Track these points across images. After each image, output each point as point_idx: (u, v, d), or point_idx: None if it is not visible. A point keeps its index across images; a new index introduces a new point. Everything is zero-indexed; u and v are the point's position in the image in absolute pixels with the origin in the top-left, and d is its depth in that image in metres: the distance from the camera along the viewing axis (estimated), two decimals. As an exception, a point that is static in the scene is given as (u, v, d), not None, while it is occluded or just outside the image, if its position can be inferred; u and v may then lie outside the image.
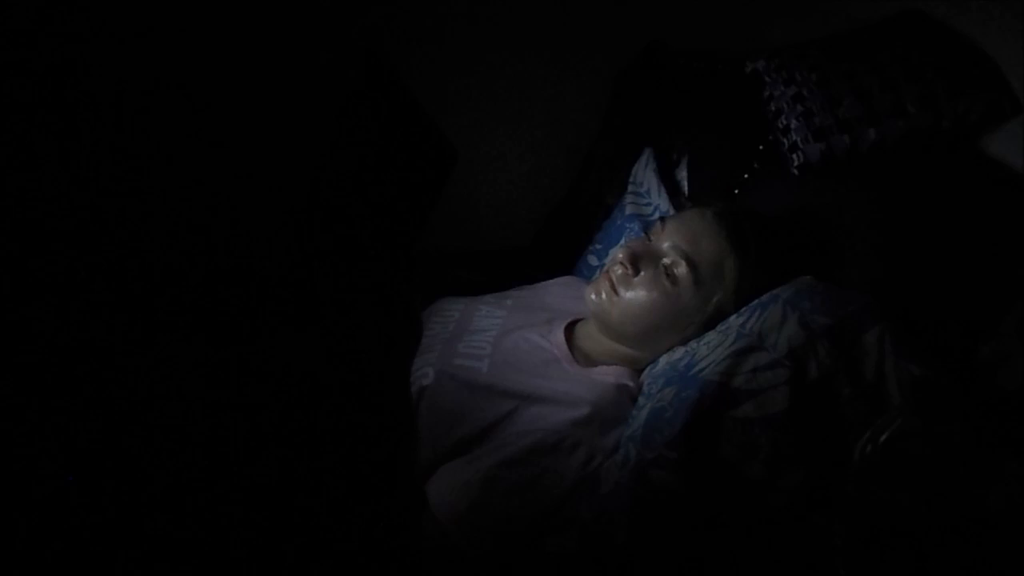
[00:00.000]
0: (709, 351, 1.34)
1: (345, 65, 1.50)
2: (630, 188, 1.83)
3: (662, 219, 1.50)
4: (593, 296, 1.48)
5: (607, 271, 1.48)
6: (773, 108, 1.70)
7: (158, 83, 1.15)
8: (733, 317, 1.39)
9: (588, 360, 1.50)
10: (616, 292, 1.45)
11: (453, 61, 1.69)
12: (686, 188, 1.79)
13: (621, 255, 1.44)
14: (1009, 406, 1.38)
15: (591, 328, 1.53)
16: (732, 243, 1.42)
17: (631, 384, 1.47)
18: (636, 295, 1.43)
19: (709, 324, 1.43)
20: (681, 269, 1.40)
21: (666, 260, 1.43)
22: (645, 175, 1.81)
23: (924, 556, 1.19)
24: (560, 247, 1.91)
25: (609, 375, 1.47)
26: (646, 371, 1.48)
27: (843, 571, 1.22)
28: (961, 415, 1.27)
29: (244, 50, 1.36)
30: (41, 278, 0.99)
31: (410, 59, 1.62)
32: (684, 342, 1.45)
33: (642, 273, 1.43)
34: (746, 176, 1.71)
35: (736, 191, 1.70)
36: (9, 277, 0.98)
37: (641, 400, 1.42)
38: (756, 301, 1.38)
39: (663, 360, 1.45)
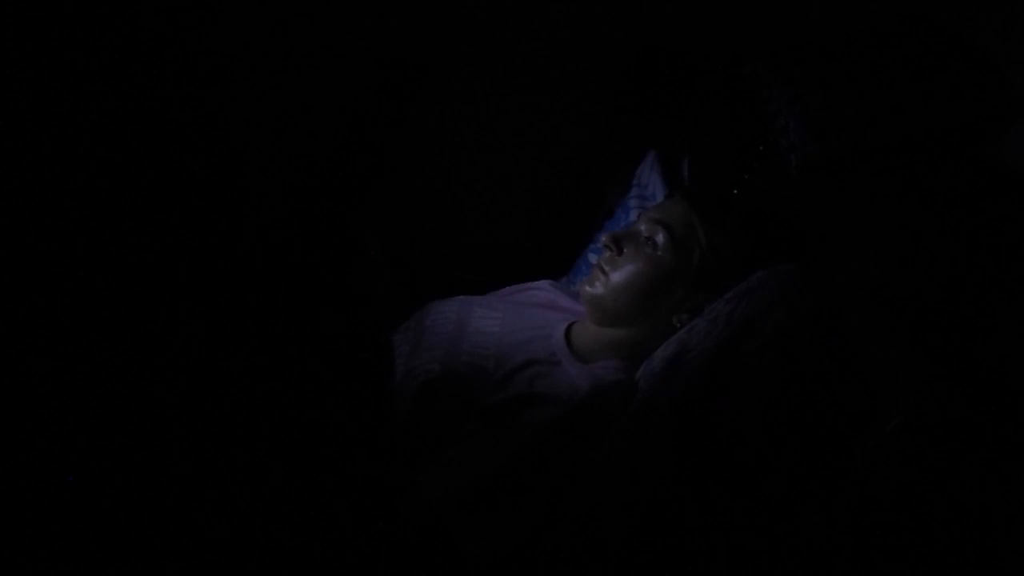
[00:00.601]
0: (699, 340, 1.39)
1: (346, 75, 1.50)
2: (635, 191, 1.85)
3: (643, 210, 1.63)
4: (588, 288, 1.55)
5: (597, 263, 1.57)
6: (772, 108, 1.70)
7: (157, 87, 1.16)
8: (722, 304, 1.41)
9: (587, 358, 1.53)
10: (606, 274, 1.53)
11: (454, 60, 1.70)
12: (688, 189, 1.79)
13: (604, 239, 1.55)
14: (1010, 405, 1.38)
15: (588, 325, 1.57)
16: (696, 204, 1.54)
17: (630, 379, 1.49)
18: (624, 270, 1.52)
19: (699, 285, 1.50)
20: (659, 235, 1.51)
21: (644, 232, 1.53)
22: (651, 177, 1.82)
23: (921, 552, 1.19)
24: (561, 246, 1.92)
25: (609, 370, 1.49)
26: (643, 368, 1.50)
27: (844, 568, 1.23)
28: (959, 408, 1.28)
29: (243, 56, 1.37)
30: (41, 279, 1.00)
31: (410, 58, 1.63)
32: (676, 310, 1.52)
33: (625, 251, 1.52)
34: (746, 176, 1.72)
35: (736, 191, 1.71)
36: (9, 277, 0.99)
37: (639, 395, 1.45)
38: (744, 287, 1.40)
39: (659, 355, 1.47)
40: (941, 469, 1.26)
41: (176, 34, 1.25)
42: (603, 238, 1.56)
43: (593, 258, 1.84)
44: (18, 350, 0.98)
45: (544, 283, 1.77)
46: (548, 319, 1.62)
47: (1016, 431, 1.31)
